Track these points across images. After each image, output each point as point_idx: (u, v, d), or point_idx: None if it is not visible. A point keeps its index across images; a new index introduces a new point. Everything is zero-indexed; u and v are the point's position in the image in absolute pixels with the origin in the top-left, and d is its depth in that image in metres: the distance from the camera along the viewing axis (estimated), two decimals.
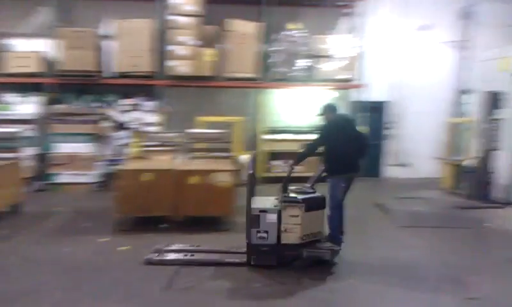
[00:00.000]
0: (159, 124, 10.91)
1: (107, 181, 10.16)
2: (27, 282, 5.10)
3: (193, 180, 7.09)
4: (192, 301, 4.77)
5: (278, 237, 5.32)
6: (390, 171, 12.48)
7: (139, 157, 8.42)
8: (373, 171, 12.11)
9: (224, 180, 7.13)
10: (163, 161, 8.19)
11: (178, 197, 7.02)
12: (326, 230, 5.72)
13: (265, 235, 5.29)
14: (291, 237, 5.29)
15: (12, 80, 10.64)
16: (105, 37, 11.23)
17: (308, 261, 5.41)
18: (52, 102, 10.68)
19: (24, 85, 10.72)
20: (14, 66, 10.57)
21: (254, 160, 5.45)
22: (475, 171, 9.52)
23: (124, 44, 10.73)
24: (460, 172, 9.94)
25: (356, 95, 11.98)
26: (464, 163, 9.82)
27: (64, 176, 10.21)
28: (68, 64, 10.55)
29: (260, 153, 11.32)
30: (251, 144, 11.77)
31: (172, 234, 6.78)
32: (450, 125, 11.49)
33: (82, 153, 10.24)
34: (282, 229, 5.29)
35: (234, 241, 6.33)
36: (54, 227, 7.40)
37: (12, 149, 8.17)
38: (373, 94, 11.79)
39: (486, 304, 4.68)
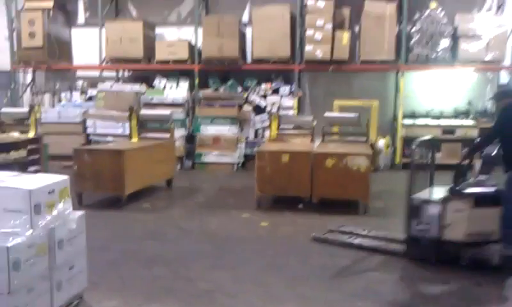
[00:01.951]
0: (295, 108, 11.16)
1: (247, 162, 10.75)
2: (180, 248, 5.65)
3: (330, 162, 7.15)
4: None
5: (441, 232, 4.84)
6: None
7: (276, 140, 8.74)
8: None
9: (360, 163, 7.10)
10: (300, 144, 8.41)
11: (314, 179, 7.16)
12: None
13: (425, 227, 4.86)
14: (455, 233, 4.78)
15: (163, 67, 11.66)
16: (245, 24, 11.76)
17: (471, 262, 4.77)
18: (198, 87, 11.50)
19: (171, 71, 11.72)
20: (164, 54, 11.55)
21: (433, 147, 5.12)
22: None
23: (261, 30, 11.08)
24: None
25: (506, 78, 11.03)
26: None
27: (210, 156, 11.06)
28: (212, 50, 11.23)
29: (398, 138, 11.01)
30: (389, 128, 11.50)
31: (308, 214, 6.99)
32: None
33: (225, 135, 10.98)
34: (445, 223, 4.82)
35: (372, 225, 6.34)
36: (202, 201, 8.12)
37: (166, 130, 9.00)
38: None
39: None
